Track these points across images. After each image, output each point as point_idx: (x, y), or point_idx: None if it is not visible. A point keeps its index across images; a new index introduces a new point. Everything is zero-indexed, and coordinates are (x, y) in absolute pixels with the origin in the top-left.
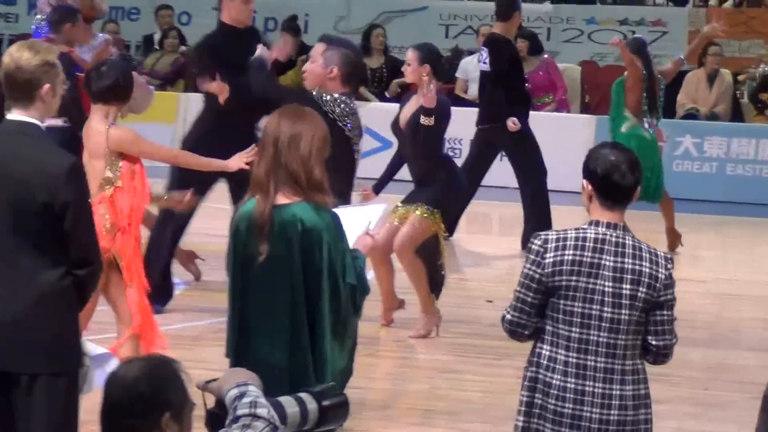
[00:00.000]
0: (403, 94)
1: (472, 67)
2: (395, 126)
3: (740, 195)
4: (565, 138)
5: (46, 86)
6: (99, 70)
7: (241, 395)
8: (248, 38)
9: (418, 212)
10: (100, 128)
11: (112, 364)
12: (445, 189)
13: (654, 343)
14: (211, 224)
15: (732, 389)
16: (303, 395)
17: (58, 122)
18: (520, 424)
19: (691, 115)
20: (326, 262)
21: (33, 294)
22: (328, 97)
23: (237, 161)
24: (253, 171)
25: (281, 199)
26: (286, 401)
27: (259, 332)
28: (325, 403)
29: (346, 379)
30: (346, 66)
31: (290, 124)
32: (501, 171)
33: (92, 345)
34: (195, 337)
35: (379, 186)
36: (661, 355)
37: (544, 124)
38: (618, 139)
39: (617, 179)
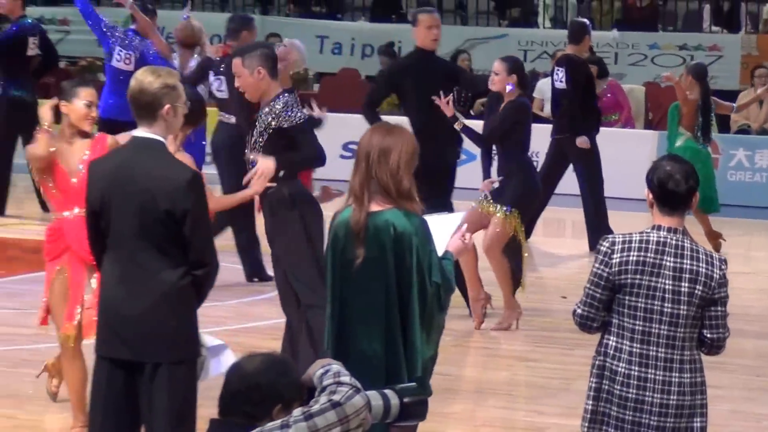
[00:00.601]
0: (486, 110)
1: (546, 88)
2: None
3: None
4: (629, 151)
5: (167, 106)
6: None
7: (326, 372)
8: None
9: (499, 214)
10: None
11: (227, 355)
12: (523, 190)
13: (709, 336)
14: None
15: None
16: (387, 391)
17: (231, 119)
18: (589, 407)
19: (744, 131)
20: (415, 263)
21: (157, 292)
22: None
23: (255, 187)
24: (350, 182)
25: (374, 207)
26: (372, 395)
27: (357, 328)
28: (406, 400)
29: (433, 365)
30: (267, 61)
31: (380, 139)
32: (573, 180)
33: (209, 337)
34: None
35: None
36: (715, 347)
37: (611, 138)
38: (674, 152)
39: (672, 187)
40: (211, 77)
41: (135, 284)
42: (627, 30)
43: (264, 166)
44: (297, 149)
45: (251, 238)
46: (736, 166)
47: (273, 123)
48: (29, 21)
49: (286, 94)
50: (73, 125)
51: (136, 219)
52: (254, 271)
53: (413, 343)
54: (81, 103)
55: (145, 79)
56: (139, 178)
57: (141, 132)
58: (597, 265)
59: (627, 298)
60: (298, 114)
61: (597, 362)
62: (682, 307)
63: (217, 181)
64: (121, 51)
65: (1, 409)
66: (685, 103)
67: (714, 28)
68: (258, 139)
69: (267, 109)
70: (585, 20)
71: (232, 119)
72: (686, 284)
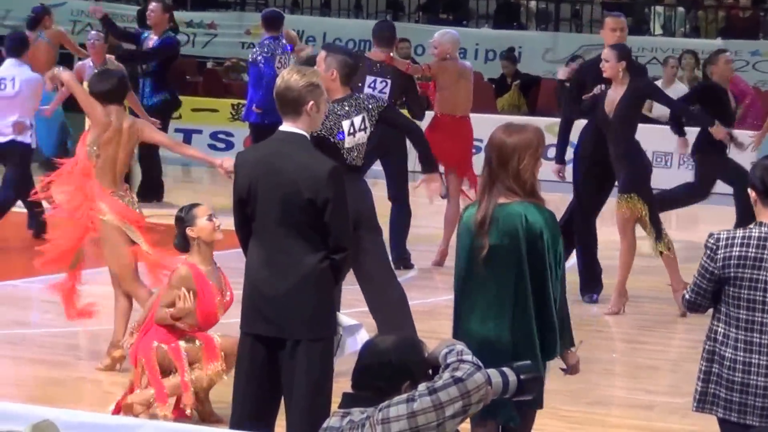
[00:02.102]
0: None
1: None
2: (598, 113)
3: None
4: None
5: (311, 103)
6: None
7: (450, 350)
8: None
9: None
10: None
11: (362, 334)
12: (633, 173)
13: None
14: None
15: None
16: (506, 369)
17: None
18: (699, 388)
19: None
20: (547, 251)
21: (298, 274)
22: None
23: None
24: (479, 179)
25: (503, 200)
26: (492, 372)
27: (484, 313)
28: (523, 376)
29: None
30: (343, 68)
31: (503, 139)
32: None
33: (345, 317)
34: (429, 312)
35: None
36: None
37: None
38: None
39: None
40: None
41: (278, 267)
42: (730, 38)
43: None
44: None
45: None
46: None
47: None
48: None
49: (334, 104)
50: (206, 243)
51: (281, 206)
52: (399, 258)
53: (550, 325)
54: (204, 221)
55: (291, 77)
56: (284, 169)
57: (286, 126)
58: (704, 259)
59: (731, 289)
60: (326, 124)
61: (707, 347)
62: None
63: None
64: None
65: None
66: None
67: None
68: None
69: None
70: None
71: None
72: None
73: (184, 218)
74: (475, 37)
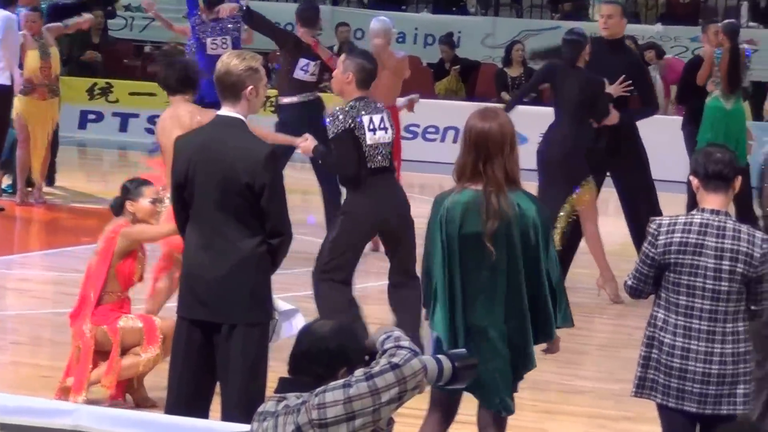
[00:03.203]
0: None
1: None
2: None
3: None
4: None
5: (250, 87)
6: None
7: (388, 336)
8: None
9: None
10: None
11: (298, 319)
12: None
13: (753, 308)
14: None
15: None
16: (441, 356)
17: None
18: (639, 373)
19: None
20: (540, 238)
21: (235, 258)
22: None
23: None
24: (458, 163)
25: (491, 188)
26: (427, 359)
27: (475, 301)
28: (458, 364)
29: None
30: (360, 73)
31: (495, 128)
32: None
33: (281, 302)
34: (363, 297)
35: None
36: (756, 316)
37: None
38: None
39: (714, 170)
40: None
41: (215, 251)
42: (670, 24)
43: (305, 145)
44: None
45: None
46: None
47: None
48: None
49: (343, 107)
50: (138, 221)
51: (218, 191)
52: None
53: (545, 308)
54: (147, 202)
55: (231, 62)
56: (221, 153)
57: (225, 111)
58: (646, 245)
59: (672, 275)
60: (340, 126)
61: (647, 332)
62: (723, 283)
63: None
64: (216, 38)
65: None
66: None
67: (751, 23)
68: None
69: (339, 107)
70: None
71: None
72: (727, 262)
73: (130, 190)
74: (415, 22)
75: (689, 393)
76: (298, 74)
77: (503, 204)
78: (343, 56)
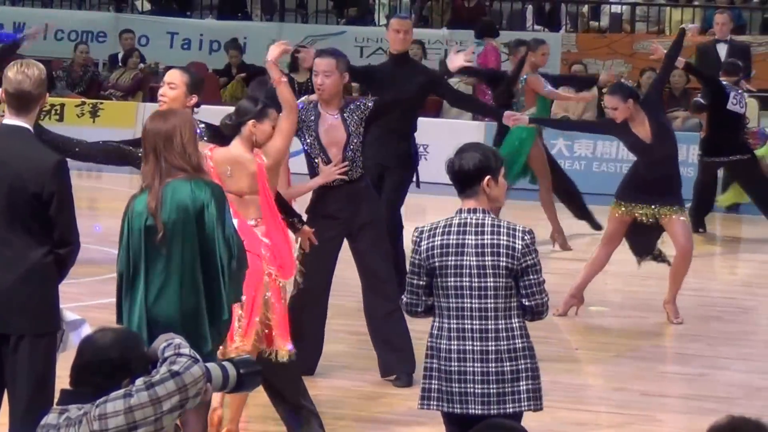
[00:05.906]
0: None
1: None
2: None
3: (606, 188)
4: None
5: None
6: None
7: (169, 345)
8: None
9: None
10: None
11: (85, 329)
12: None
13: (527, 303)
14: None
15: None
16: (225, 363)
17: None
18: (423, 385)
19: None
20: (215, 221)
21: (22, 268)
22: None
23: (329, 174)
24: (143, 171)
25: (169, 179)
26: (211, 366)
27: (156, 289)
28: (243, 371)
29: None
30: (348, 70)
31: (161, 126)
32: None
33: (68, 312)
34: None
35: None
36: (536, 313)
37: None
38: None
39: (457, 171)
40: None
41: (2, 261)
42: (457, 29)
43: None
44: None
45: None
46: (557, 155)
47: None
48: None
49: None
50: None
51: (5, 200)
52: None
53: (220, 292)
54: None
55: (21, 73)
56: (8, 162)
57: (10, 120)
58: (412, 254)
59: (439, 279)
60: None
61: (428, 343)
62: (488, 279)
63: None
64: None
65: None
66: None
67: (536, 26)
68: None
69: (353, 106)
70: None
71: None
72: (489, 258)
73: (253, 112)
74: (200, 28)
75: (472, 395)
76: None
77: (153, 197)
78: (332, 60)
